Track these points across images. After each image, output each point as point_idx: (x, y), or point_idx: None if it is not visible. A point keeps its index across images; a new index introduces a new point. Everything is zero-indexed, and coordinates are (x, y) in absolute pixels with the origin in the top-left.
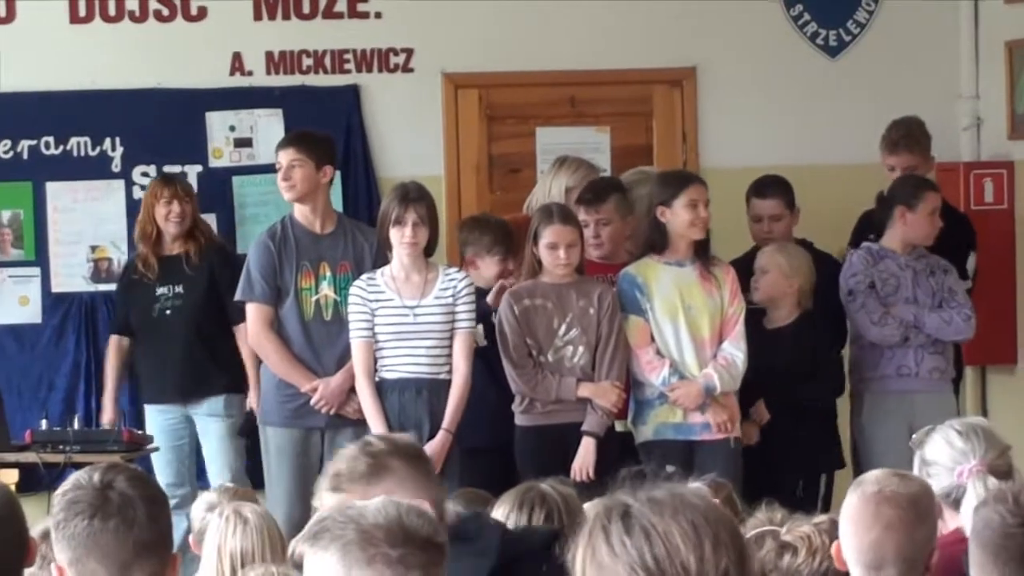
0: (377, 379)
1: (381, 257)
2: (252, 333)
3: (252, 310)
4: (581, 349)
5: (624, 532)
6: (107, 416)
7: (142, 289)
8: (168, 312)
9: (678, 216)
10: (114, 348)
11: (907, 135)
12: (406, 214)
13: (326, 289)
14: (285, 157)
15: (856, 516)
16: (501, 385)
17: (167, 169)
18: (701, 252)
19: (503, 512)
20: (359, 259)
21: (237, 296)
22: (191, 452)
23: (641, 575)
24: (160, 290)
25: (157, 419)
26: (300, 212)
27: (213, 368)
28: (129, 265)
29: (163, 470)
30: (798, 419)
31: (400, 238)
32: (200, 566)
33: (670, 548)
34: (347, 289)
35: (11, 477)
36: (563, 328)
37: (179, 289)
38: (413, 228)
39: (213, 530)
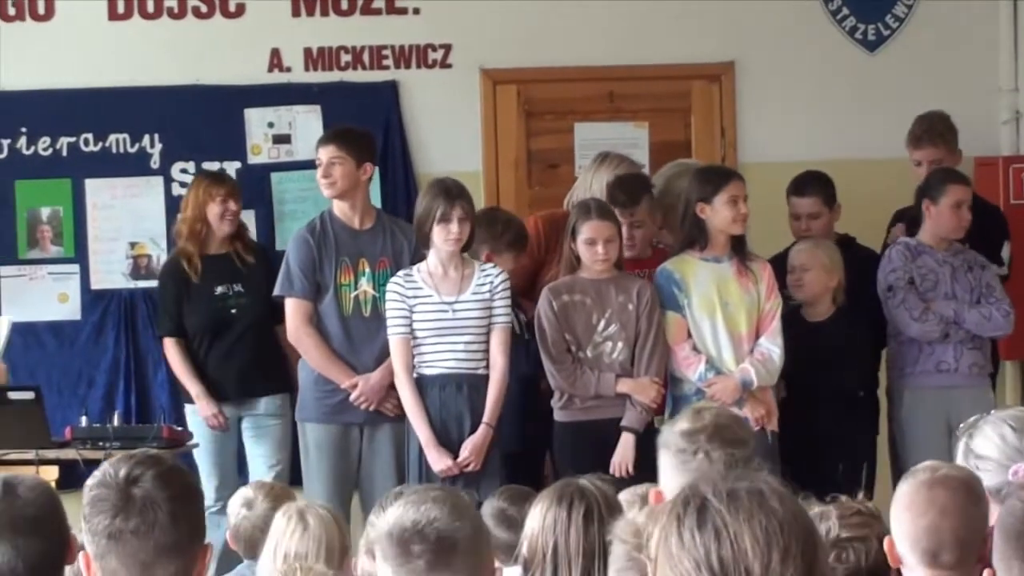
0: (416, 375)
1: (418, 254)
2: (291, 328)
3: (291, 305)
4: (620, 345)
5: (696, 527)
6: (206, 411)
7: (197, 289)
8: (234, 311)
9: (719, 213)
10: (177, 350)
11: (929, 129)
12: (452, 211)
13: (365, 285)
14: (325, 154)
15: (909, 502)
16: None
17: (206, 166)
18: (738, 248)
19: (542, 508)
20: (397, 255)
21: (276, 291)
22: (237, 454)
23: (704, 573)
24: (219, 289)
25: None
26: (339, 208)
27: (273, 367)
28: (174, 265)
29: (211, 473)
30: (842, 409)
31: (446, 235)
32: (259, 562)
33: (737, 551)
34: (386, 285)
35: (51, 474)
36: (602, 324)
37: (239, 288)
38: (459, 224)
39: (274, 528)
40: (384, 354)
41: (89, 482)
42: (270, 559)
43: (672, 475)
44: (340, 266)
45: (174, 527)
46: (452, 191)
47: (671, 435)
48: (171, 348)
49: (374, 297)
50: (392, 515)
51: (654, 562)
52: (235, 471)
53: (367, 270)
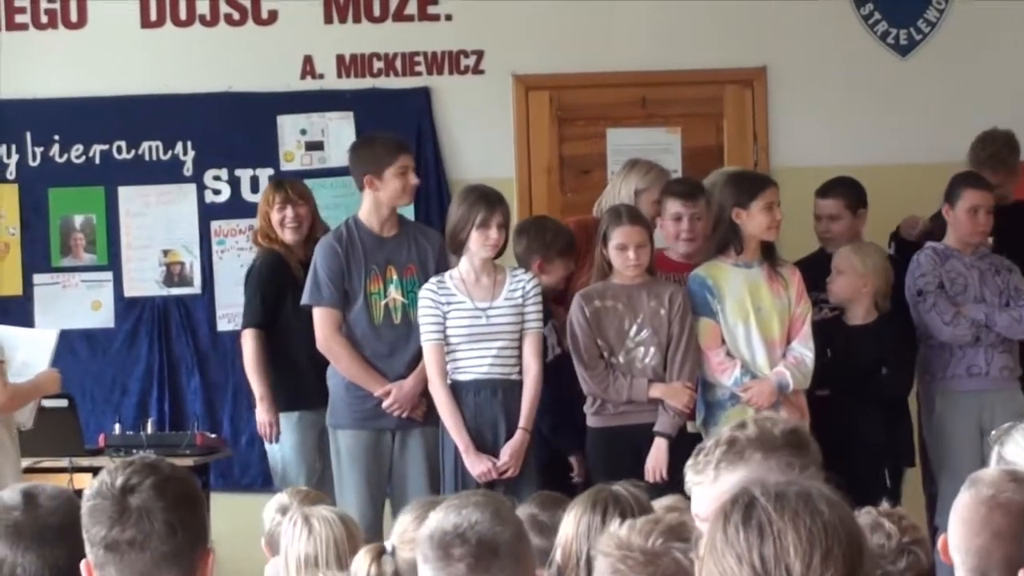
0: (450, 381)
1: (443, 259)
2: (321, 337)
3: (320, 314)
4: (652, 350)
5: (741, 523)
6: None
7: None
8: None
9: (755, 219)
10: (259, 347)
11: (994, 155)
12: (492, 217)
13: (394, 292)
14: (410, 161)
15: (967, 517)
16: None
17: (239, 173)
18: (768, 253)
19: (576, 514)
20: (423, 262)
21: (304, 300)
22: None
23: (746, 569)
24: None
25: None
26: (366, 215)
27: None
28: (264, 259)
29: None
30: (879, 414)
31: (484, 240)
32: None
33: (779, 550)
34: (414, 292)
35: (85, 482)
36: (634, 329)
37: None
38: (498, 231)
39: (284, 535)
40: (415, 361)
41: (87, 491)
42: (282, 564)
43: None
44: (369, 274)
45: (171, 536)
46: (492, 197)
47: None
48: (249, 340)
49: (403, 304)
50: (434, 519)
51: (700, 559)
52: None
53: (395, 277)
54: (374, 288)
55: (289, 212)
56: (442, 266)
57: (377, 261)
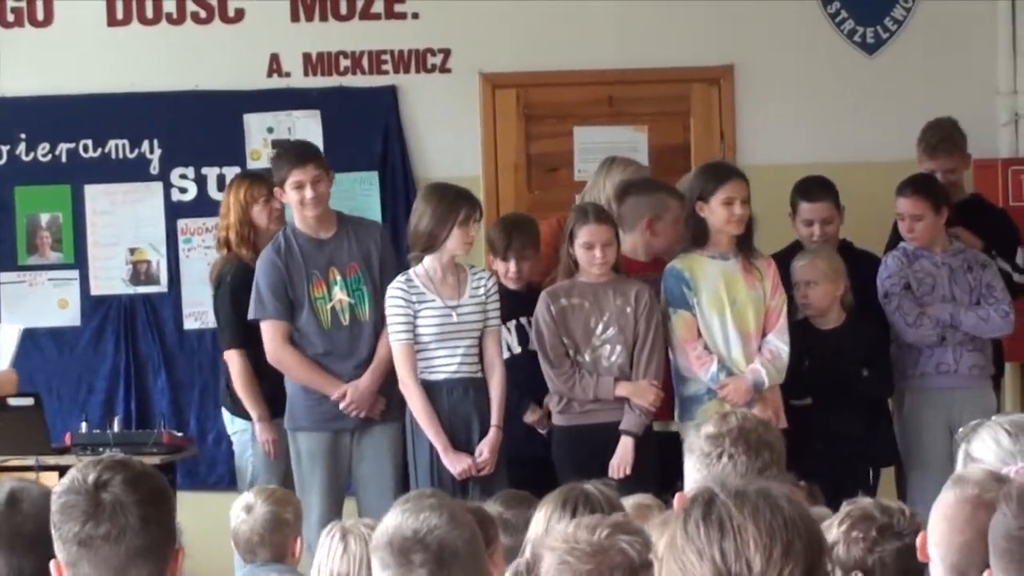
0: (421, 381)
1: (387, 249)
2: (270, 350)
3: (268, 327)
4: (619, 348)
5: (701, 519)
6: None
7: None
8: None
9: (715, 213)
10: (246, 365)
11: (945, 138)
12: (473, 215)
13: (339, 294)
14: (306, 175)
15: (950, 515)
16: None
17: (205, 171)
18: (743, 246)
19: (546, 513)
20: (366, 256)
21: (250, 315)
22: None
23: (707, 564)
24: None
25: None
26: (302, 221)
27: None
28: (241, 275)
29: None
30: (856, 415)
31: (466, 239)
32: None
33: (740, 544)
34: (360, 289)
35: (51, 480)
36: (600, 327)
37: None
38: (475, 229)
39: (320, 547)
40: (369, 359)
41: (57, 489)
42: None
43: (697, 479)
44: (311, 279)
45: (145, 531)
46: (468, 194)
47: (696, 439)
48: (239, 362)
49: (351, 304)
50: (390, 524)
51: (659, 560)
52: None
53: (338, 278)
54: (318, 293)
55: (276, 203)
56: (387, 256)
57: (318, 265)
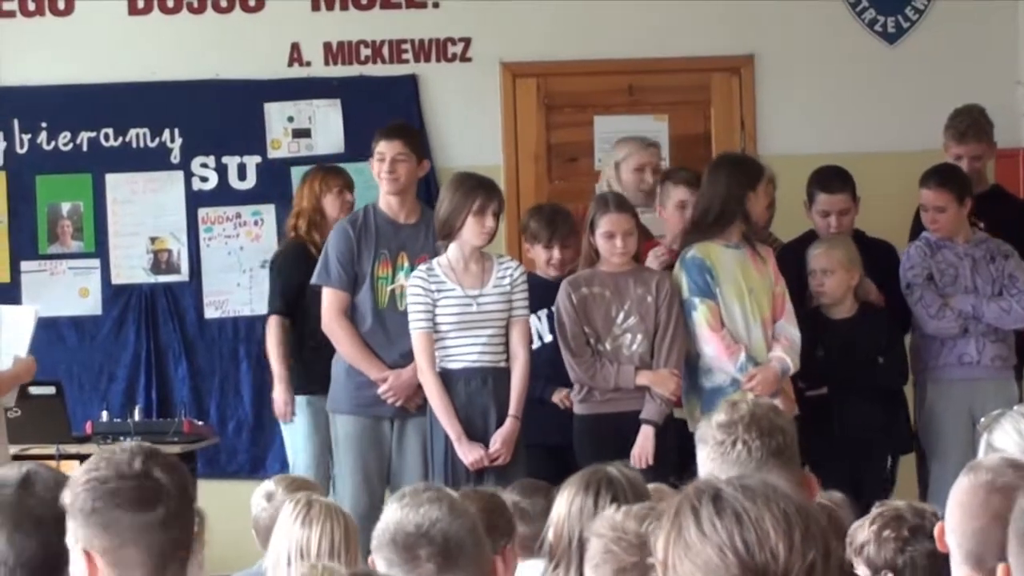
0: (439, 369)
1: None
2: (326, 319)
3: (327, 295)
4: (639, 337)
5: (715, 514)
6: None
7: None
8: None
9: (761, 201)
10: (282, 332)
11: (973, 124)
12: (489, 204)
13: (402, 279)
14: (391, 150)
15: (965, 501)
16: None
17: (226, 160)
18: (748, 233)
19: (569, 496)
20: (437, 253)
21: (313, 280)
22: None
23: (730, 557)
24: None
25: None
26: (386, 201)
27: None
28: (299, 250)
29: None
30: (872, 403)
31: (480, 228)
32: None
33: (761, 533)
34: None
35: (72, 469)
36: (621, 316)
37: None
38: (493, 219)
39: (281, 520)
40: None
41: (89, 474)
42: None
43: (712, 468)
44: (379, 258)
45: (186, 515)
46: (488, 185)
47: (708, 429)
48: (273, 324)
49: None
50: (391, 520)
51: (663, 564)
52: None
53: (406, 264)
54: (382, 273)
55: (348, 196)
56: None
57: (389, 247)
